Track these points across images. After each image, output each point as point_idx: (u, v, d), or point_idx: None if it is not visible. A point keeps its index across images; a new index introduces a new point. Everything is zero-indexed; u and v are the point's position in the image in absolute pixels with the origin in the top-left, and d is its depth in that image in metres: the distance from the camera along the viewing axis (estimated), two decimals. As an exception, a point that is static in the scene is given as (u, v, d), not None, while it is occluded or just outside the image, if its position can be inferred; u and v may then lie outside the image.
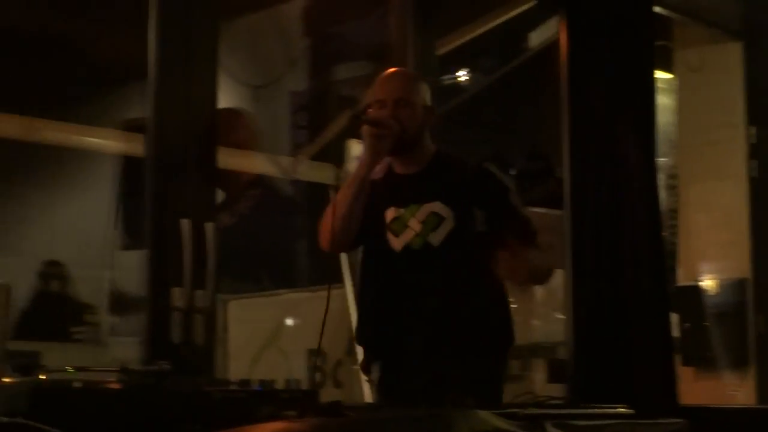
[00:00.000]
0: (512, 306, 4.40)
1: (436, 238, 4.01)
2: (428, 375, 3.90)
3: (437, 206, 4.04)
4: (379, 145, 3.96)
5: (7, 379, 2.54)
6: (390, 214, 4.06)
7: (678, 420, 4.31)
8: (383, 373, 4.04)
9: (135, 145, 5.71)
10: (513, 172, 6.30)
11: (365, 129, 3.96)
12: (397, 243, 4.04)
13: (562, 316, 6.66)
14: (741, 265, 7.40)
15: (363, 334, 4.17)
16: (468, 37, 7.10)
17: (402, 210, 4.05)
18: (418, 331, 3.97)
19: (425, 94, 4.19)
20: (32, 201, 8.55)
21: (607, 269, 6.05)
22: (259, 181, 7.76)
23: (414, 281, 4.01)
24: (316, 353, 7.14)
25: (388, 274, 4.05)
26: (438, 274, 4.01)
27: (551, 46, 6.84)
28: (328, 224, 3.96)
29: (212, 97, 4.68)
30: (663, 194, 6.73)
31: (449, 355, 3.96)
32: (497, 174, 4.20)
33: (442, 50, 6.18)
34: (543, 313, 7.52)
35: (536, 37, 7.87)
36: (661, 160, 6.80)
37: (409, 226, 4.03)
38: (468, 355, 4.00)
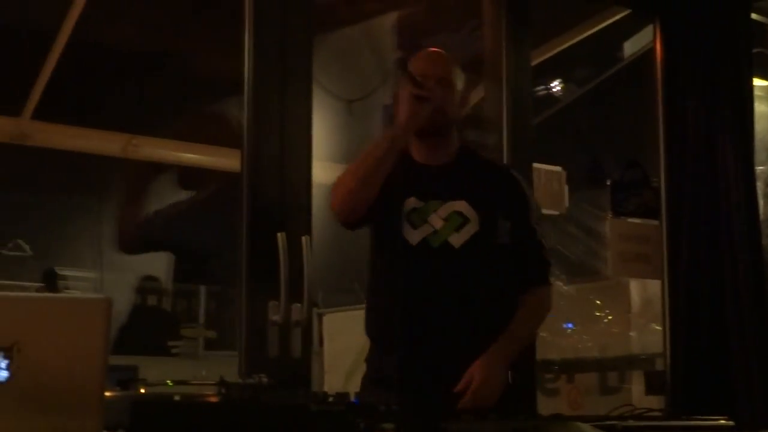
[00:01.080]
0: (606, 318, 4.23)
1: (458, 239, 3.70)
2: (439, 375, 3.64)
3: (462, 206, 3.74)
4: (420, 110, 3.62)
5: (109, 393, 2.57)
6: (409, 203, 3.73)
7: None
8: (397, 370, 3.68)
9: (231, 160, 5.77)
10: (608, 182, 6.24)
11: (407, 89, 3.64)
12: (413, 236, 3.71)
13: (659, 327, 6.60)
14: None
15: (374, 327, 3.81)
16: (562, 47, 7.07)
17: (422, 203, 3.73)
18: (430, 330, 3.67)
19: (462, 82, 3.89)
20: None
21: (705, 279, 5.99)
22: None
23: (429, 279, 3.70)
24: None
25: (402, 267, 3.71)
26: (455, 277, 3.70)
27: (646, 55, 6.79)
28: (345, 184, 3.64)
29: (307, 112, 4.71)
30: (761, 203, 6.63)
31: (458, 360, 3.64)
32: (523, 185, 3.90)
33: (535, 61, 6.16)
34: (640, 324, 7.45)
35: (631, 46, 7.80)
36: (759, 169, 6.70)
37: (428, 222, 3.72)
38: (470, 355, 3.67)
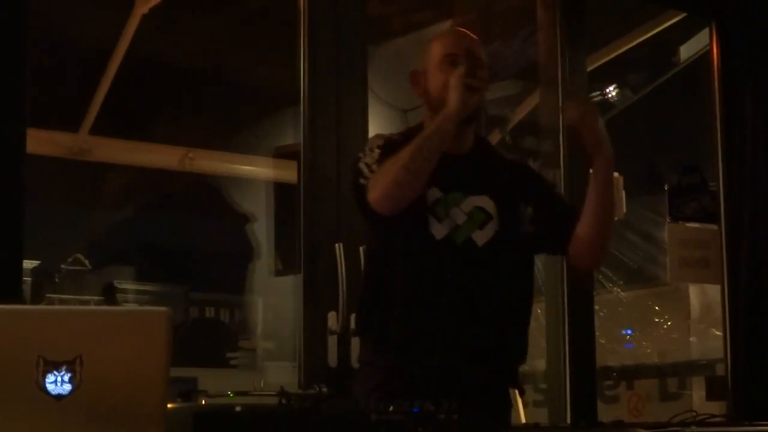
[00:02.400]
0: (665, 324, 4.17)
1: (482, 237, 3.48)
2: (443, 375, 3.40)
3: (485, 201, 3.52)
4: (470, 99, 3.40)
5: (171, 405, 2.59)
6: (433, 194, 3.46)
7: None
8: (396, 364, 3.46)
9: (288, 172, 5.79)
10: (666, 187, 6.21)
11: (457, 76, 3.40)
12: (439, 230, 3.46)
13: (719, 333, 6.56)
14: None
15: (379, 320, 3.49)
16: (617, 53, 7.04)
17: (443, 194, 3.47)
18: (446, 329, 3.42)
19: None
20: (185, 228, 8.72)
21: (765, 283, 5.95)
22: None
23: (452, 277, 3.45)
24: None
25: (425, 262, 3.46)
26: (479, 276, 3.47)
27: (702, 59, 6.75)
28: (393, 176, 3.34)
29: (363, 122, 4.73)
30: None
31: (469, 360, 3.45)
32: (541, 174, 3.78)
33: (590, 66, 6.14)
34: (699, 329, 7.41)
35: (687, 50, 7.76)
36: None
37: (450, 216, 3.47)
38: (486, 363, 3.49)
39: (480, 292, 3.47)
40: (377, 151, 3.46)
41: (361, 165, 3.46)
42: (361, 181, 3.43)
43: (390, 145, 3.47)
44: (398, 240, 3.48)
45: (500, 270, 3.50)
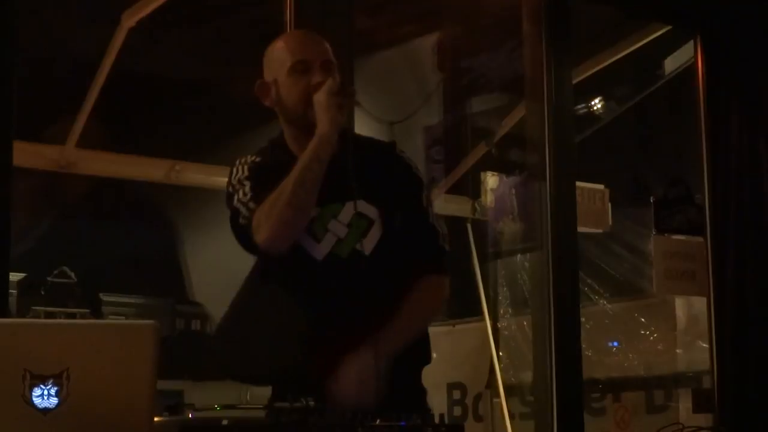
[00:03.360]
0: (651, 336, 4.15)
1: (368, 244, 3.28)
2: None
3: (363, 206, 3.28)
4: (342, 116, 3.18)
5: (158, 418, 2.58)
6: None
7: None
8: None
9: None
10: (651, 199, 6.23)
11: (327, 98, 3.16)
12: (318, 250, 3.27)
13: (705, 345, 6.57)
14: None
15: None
16: (602, 65, 7.06)
17: (319, 209, 3.25)
18: (349, 349, 3.18)
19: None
20: (171, 241, 8.70)
21: (751, 295, 5.96)
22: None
23: (343, 296, 3.25)
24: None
25: (308, 287, 3.28)
26: (372, 287, 3.26)
27: (687, 71, 6.77)
28: (279, 216, 3.13)
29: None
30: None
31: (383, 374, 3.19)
32: (411, 163, 3.45)
33: (575, 79, 6.16)
34: (686, 341, 7.42)
35: (672, 63, 7.78)
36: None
37: (329, 230, 3.27)
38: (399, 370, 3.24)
39: (377, 301, 3.26)
40: (246, 183, 3.26)
41: (237, 204, 3.26)
42: (241, 221, 3.24)
43: (258, 172, 3.29)
44: (271, 266, 3.33)
45: (393, 276, 3.30)
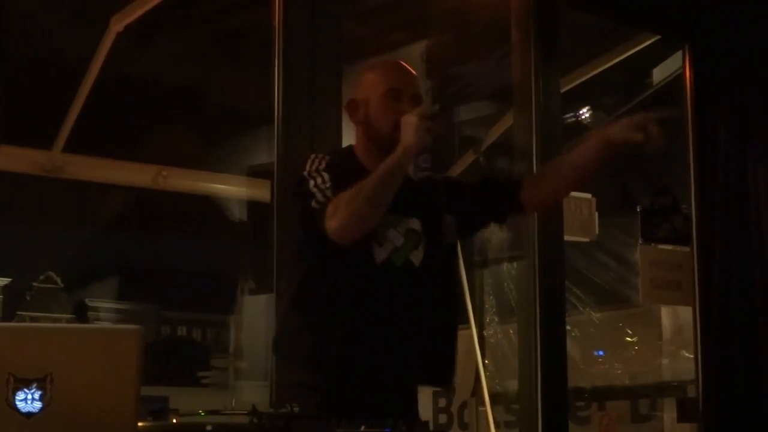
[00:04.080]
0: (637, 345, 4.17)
1: (417, 257, 3.60)
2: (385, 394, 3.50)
3: (415, 223, 3.62)
4: (427, 139, 3.43)
5: (141, 424, 2.58)
6: None
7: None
8: (338, 386, 3.48)
9: (262, 191, 5.78)
10: (638, 209, 6.24)
11: (417, 119, 3.43)
12: (380, 253, 3.55)
13: (689, 355, 6.58)
14: None
15: (317, 349, 3.53)
16: (591, 74, 7.07)
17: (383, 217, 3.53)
18: (389, 353, 3.51)
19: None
20: (158, 247, 8.69)
21: (737, 305, 5.97)
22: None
23: (395, 301, 3.55)
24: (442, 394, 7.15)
25: (366, 287, 3.53)
26: (419, 296, 3.58)
27: (675, 81, 6.78)
28: (354, 208, 3.37)
29: (337, 141, 4.73)
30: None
31: (407, 380, 3.61)
32: (454, 178, 3.88)
33: (564, 88, 6.16)
34: (671, 351, 7.43)
35: (660, 73, 7.80)
36: (791, 194, 6.68)
37: (388, 239, 3.57)
38: (421, 382, 3.70)
39: (422, 311, 3.57)
40: (325, 174, 3.48)
41: (313, 188, 3.47)
42: (314, 204, 3.45)
43: (335, 168, 3.51)
44: (342, 265, 3.51)
45: (436, 287, 3.62)
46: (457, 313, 3.80)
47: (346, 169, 3.53)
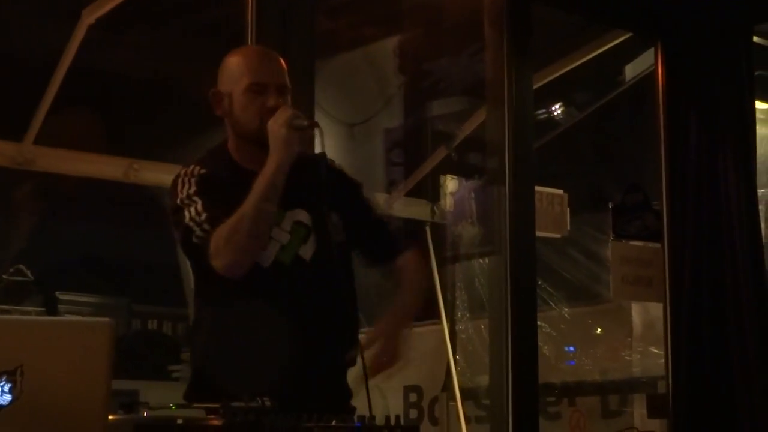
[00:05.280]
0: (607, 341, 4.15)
1: (307, 251, 3.43)
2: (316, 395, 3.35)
3: (302, 214, 3.45)
4: (296, 148, 3.35)
5: (112, 417, 2.57)
6: None
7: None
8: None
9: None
10: (610, 205, 6.26)
11: (283, 130, 3.30)
12: (264, 257, 3.37)
13: (658, 351, 6.61)
14: None
15: (216, 363, 3.42)
16: (563, 71, 7.09)
17: None
18: (300, 352, 3.35)
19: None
20: (129, 240, 8.67)
21: (707, 302, 6.00)
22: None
23: (289, 301, 3.39)
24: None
25: (257, 295, 3.35)
26: (314, 292, 3.42)
27: (647, 78, 6.81)
28: (237, 243, 3.23)
29: (309, 136, 4.72)
30: (763, 225, 6.63)
31: (329, 374, 3.48)
32: (343, 169, 3.65)
33: (536, 84, 6.18)
34: (641, 347, 7.45)
35: (632, 70, 7.83)
36: (761, 191, 6.71)
37: (272, 237, 3.37)
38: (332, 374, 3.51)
39: (317, 307, 3.42)
40: (198, 200, 3.32)
41: (189, 222, 3.31)
42: (194, 240, 3.31)
43: (206, 186, 3.36)
44: (229, 282, 3.34)
45: (331, 281, 3.43)
46: (355, 314, 3.54)
47: (220, 180, 3.38)
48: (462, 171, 7.37)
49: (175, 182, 3.41)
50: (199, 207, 3.31)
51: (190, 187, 3.36)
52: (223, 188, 3.35)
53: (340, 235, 3.50)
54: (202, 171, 3.40)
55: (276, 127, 3.32)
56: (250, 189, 3.28)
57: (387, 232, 3.71)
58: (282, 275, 3.41)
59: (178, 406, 2.89)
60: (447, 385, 7.34)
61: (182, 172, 3.42)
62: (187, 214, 3.33)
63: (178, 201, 3.36)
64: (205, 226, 3.29)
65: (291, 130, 3.32)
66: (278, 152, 3.31)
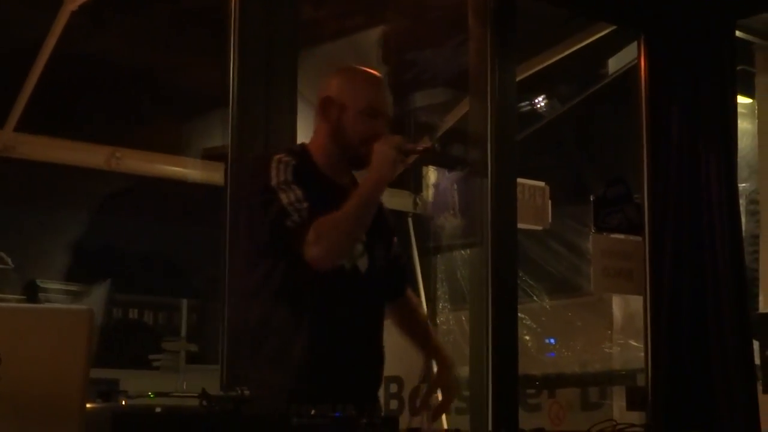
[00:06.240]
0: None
1: (363, 265, 3.73)
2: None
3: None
4: (398, 171, 3.64)
5: (90, 405, 2.57)
6: None
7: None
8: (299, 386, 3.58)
9: (215, 174, 5.77)
10: (591, 198, 6.26)
11: (393, 152, 3.59)
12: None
13: (637, 344, 6.62)
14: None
15: (284, 342, 3.63)
16: (546, 64, 7.09)
17: None
18: (351, 356, 3.70)
19: None
20: (110, 229, 8.65)
21: (687, 296, 6.01)
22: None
23: (359, 304, 3.72)
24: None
25: (338, 293, 3.67)
26: (366, 301, 3.76)
27: (630, 72, 6.81)
28: (336, 240, 3.53)
29: (291, 125, 4.72)
30: (744, 220, 6.65)
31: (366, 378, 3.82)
32: (389, 214, 4.02)
33: (519, 76, 6.17)
34: (621, 340, 7.47)
35: (615, 63, 7.83)
36: (742, 185, 6.73)
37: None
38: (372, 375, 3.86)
39: (367, 315, 3.76)
40: (297, 189, 3.54)
41: (288, 206, 3.52)
42: (289, 223, 3.50)
43: (301, 179, 3.57)
44: (305, 275, 3.57)
45: (377, 295, 3.80)
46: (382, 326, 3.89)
47: (307, 178, 3.60)
48: (444, 162, 7.36)
49: (264, 164, 3.62)
50: (299, 195, 3.52)
51: (287, 174, 3.57)
52: (311, 187, 3.57)
53: (382, 260, 3.81)
54: (294, 162, 3.62)
55: (385, 148, 3.58)
56: (325, 193, 3.58)
57: (402, 268, 4.04)
58: (347, 280, 3.67)
59: (157, 394, 2.89)
60: (427, 376, 7.34)
61: (276, 158, 3.62)
62: (284, 197, 3.52)
63: (274, 183, 3.55)
64: (304, 214, 3.50)
65: (400, 154, 3.58)
66: (384, 170, 3.58)
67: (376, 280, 3.77)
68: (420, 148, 3.74)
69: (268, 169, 3.58)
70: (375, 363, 3.83)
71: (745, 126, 7.07)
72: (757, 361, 6.36)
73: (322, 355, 3.61)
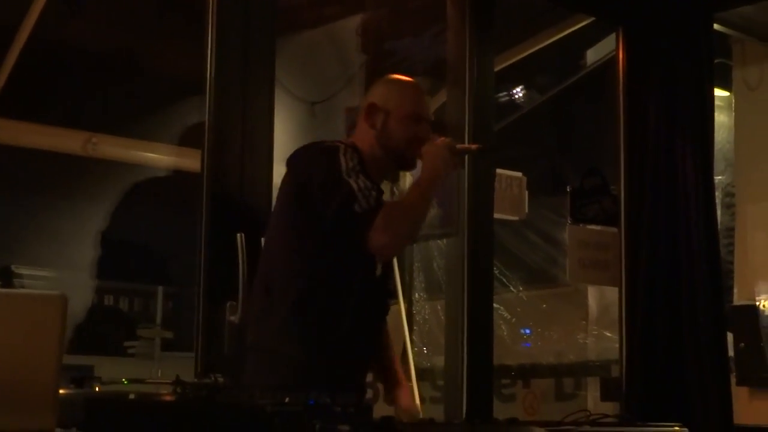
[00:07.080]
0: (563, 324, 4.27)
1: (379, 269, 3.87)
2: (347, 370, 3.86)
3: None
4: (451, 171, 3.96)
5: (63, 391, 2.56)
6: None
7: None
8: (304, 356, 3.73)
9: (192, 160, 5.75)
10: (568, 189, 6.27)
11: (448, 153, 3.81)
12: (378, 266, 3.88)
13: (611, 335, 6.63)
14: (798, 285, 7.32)
15: (308, 311, 3.75)
16: (524, 54, 7.09)
17: None
18: (359, 341, 3.85)
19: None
20: (87, 215, 8.63)
21: (662, 287, 6.03)
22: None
23: (378, 303, 3.95)
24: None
25: (370, 290, 3.83)
26: (379, 300, 3.95)
27: (608, 63, 6.82)
28: (403, 230, 3.69)
29: (269, 112, 4.71)
30: (720, 212, 6.67)
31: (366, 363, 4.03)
32: None
33: (498, 67, 6.17)
34: (596, 331, 7.50)
35: (593, 54, 7.84)
36: (718, 178, 6.75)
37: None
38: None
39: (379, 309, 3.96)
40: (364, 178, 3.64)
41: (358, 191, 3.62)
42: (357, 208, 3.60)
43: (365, 171, 3.69)
44: (353, 259, 3.72)
45: (385, 298, 4.00)
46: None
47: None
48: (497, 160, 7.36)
49: (332, 150, 3.72)
50: (368, 183, 3.64)
51: (354, 162, 3.70)
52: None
53: (387, 265, 3.97)
54: (357, 153, 3.75)
55: (435, 149, 3.79)
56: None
57: (393, 271, 4.38)
58: (374, 278, 3.83)
59: (131, 381, 2.88)
60: (403, 366, 7.35)
61: (339, 145, 3.74)
62: (354, 184, 3.63)
63: (344, 168, 3.65)
64: (372, 201, 3.61)
65: (453, 154, 3.82)
66: (438, 167, 3.77)
67: (386, 282, 3.97)
68: (473, 147, 4.06)
69: (336, 156, 3.68)
70: (371, 357, 4.01)
71: (721, 119, 7.09)
72: (731, 353, 6.39)
73: (348, 343, 3.76)
